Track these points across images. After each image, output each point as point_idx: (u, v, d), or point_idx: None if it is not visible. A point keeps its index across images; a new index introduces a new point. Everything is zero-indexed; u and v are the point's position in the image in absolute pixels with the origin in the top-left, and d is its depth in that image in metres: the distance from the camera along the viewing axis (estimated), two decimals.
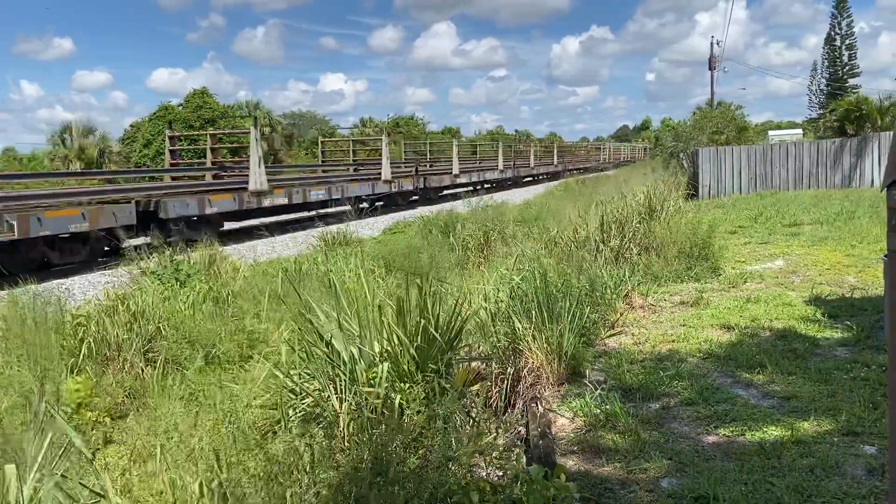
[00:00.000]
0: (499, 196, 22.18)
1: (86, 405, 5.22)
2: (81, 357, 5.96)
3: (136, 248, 9.85)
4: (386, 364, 4.12)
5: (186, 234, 13.68)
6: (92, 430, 5.02)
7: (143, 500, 3.14)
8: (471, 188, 32.87)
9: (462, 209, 15.71)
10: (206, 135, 23.91)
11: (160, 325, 6.51)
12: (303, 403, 4.14)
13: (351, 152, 31.41)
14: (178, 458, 3.33)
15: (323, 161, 30.70)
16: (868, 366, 5.38)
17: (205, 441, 3.45)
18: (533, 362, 5.40)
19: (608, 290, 7.28)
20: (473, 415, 4.39)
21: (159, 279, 8.33)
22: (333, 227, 13.98)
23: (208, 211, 15.54)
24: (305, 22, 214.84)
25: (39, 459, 3.11)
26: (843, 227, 13.01)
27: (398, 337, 4.29)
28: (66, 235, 12.08)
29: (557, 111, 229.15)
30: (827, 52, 75.96)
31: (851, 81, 72.54)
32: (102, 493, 3.01)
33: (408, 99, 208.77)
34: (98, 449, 4.72)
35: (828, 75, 75.65)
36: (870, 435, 4.23)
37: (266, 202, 17.79)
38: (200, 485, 2.95)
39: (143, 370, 5.90)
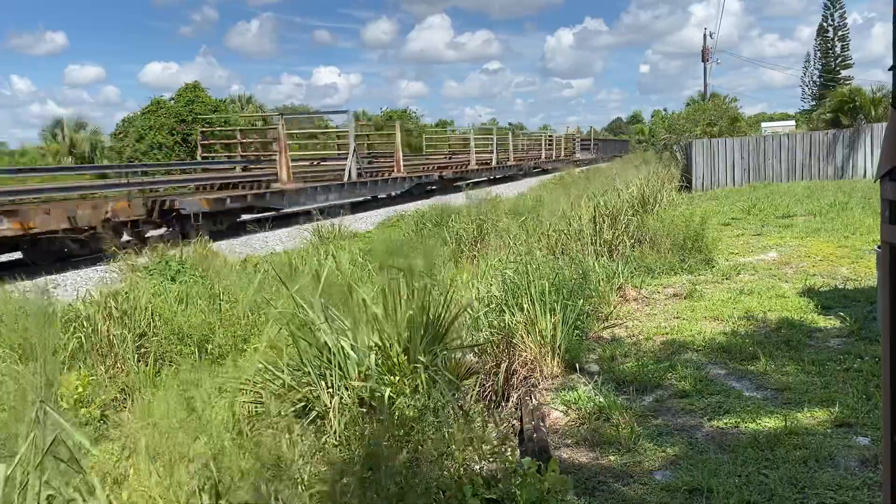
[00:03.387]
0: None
1: (81, 401, 5.19)
2: (70, 352, 5.92)
3: (126, 243, 9.80)
4: (373, 356, 4.10)
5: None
6: (87, 425, 4.99)
7: (134, 498, 3.11)
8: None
9: (460, 203, 15.68)
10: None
11: (152, 320, 6.48)
12: (294, 398, 4.12)
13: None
14: (169, 456, 3.30)
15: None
16: (861, 357, 5.39)
17: (196, 439, 3.43)
18: (527, 355, 5.39)
19: (601, 283, 7.28)
20: (467, 408, 4.38)
21: (151, 274, 8.29)
22: (326, 221, 13.95)
23: None
24: (298, 15, 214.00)
25: (33, 457, 3.08)
26: (837, 218, 13.04)
27: (387, 329, 4.27)
28: None
29: (551, 104, 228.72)
30: (819, 44, 76.07)
31: (844, 73, 72.68)
32: (92, 490, 2.99)
33: (402, 92, 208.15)
34: (90, 446, 4.69)
35: (820, 67, 75.79)
36: (863, 426, 4.24)
37: None
38: (192, 481, 2.92)
39: (134, 365, 5.87)
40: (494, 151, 35.21)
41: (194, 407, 3.19)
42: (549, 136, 53.93)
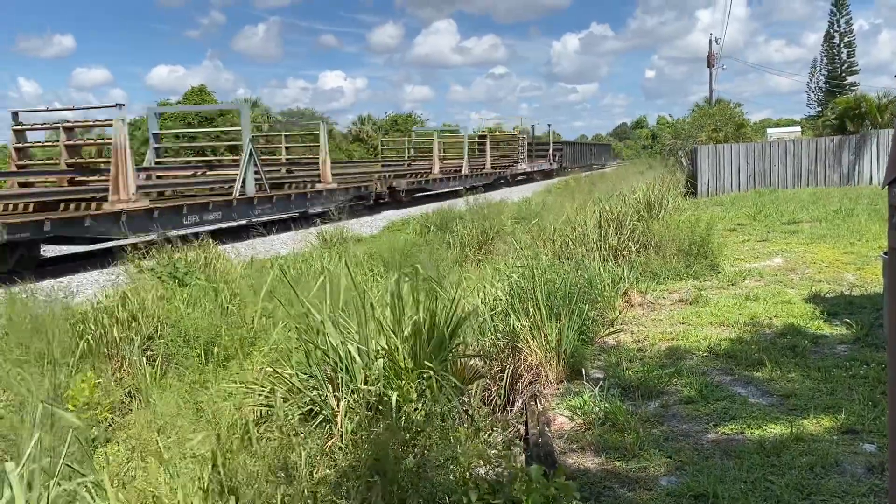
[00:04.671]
0: None
1: (88, 403, 5.21)
2: (79, 354, 5.94)
3: (133, 246, 9.83)
4: (381, 360, 4.11)
5: None
6: (94, 427, 5.01)
7: (141, 497, 3.13)
8: None
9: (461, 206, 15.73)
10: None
11: (158, 323, 6.50)
12: (301, 402, 4.13)
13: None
14: (175, 457, 3.32)
15: None
16: (867, 363, 5.38)
17: (202, 440, 3.44)
18: (532, 360, 5.39)
19: (607, 288, 7.28)
20: (472, 413, 4.38)
21: (158, 277, 8.31)
22: (331, 226, 13.97)
23: None
24: (304, 19, 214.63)
25: (41, 456, 3.09)
26: (842, 224, 13.00)
27: (394, 334, 4.28)
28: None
29: (556, 109, 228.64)
30: (826, 50, 75.85)
31: (850, 79, 72.43)
32: (102, 489, 3.00)
33: (407, 96, 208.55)
34: (98, 446, 4.71)
35: (826, 73, 75.52)
36: (869, 433, 4.23)
37: None
38: (197, 482, 2.94)
39: (142, 368, 5.89)
40: (254, 173, 18.00)
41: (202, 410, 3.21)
42: (459, 139, 37.09)
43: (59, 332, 6.23)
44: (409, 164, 32.23)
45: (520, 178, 40.33)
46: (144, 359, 6.04)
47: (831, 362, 5.49)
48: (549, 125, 55.43)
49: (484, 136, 39.40)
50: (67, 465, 3.05)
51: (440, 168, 30.40)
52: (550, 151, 48.88)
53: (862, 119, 25.96)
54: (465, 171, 32.42)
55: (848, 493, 3.55)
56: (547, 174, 44.33)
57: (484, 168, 35.46)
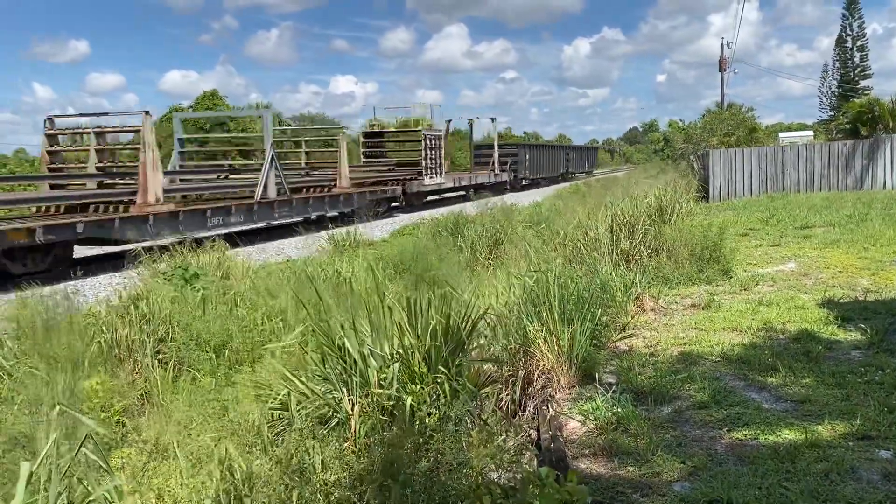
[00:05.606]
0: None
1: (102, 406, 5.24)
2: (90, 358, 5.98)
3: (145, 249, 9.89)
4: (397, 365, 4.11)
5: None
6: (108, 430, 5.03)
7: (156, 499, 3.15)
8: None
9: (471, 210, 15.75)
10: None
11: (170, 326, 6.53)
12: (315, 405, 4.14)
13: None
14: (189, 460, 3.33)
15: None
16: (882, 369, 5.34)
17: (215, 443, 3.46)
18: (544, 365, 5.38)
19: (619, 293, 7.26)
20: (484, 417, 4.38)
21: (169, 280, 8.35)
22: (343, 229, 14.02)
23: None
24: (317, 25, 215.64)
25: (56, 458, 3.12)
26: (856, 229, 12.91)
27: (409, 338, 4.28)
28: None
29: (567, 113, 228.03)
30: (838, 54, 75.47)
31: (863, 83, 72.02)
32: (118, 491, 3.02)
33: (417, 101, 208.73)
34: (112, 448, 4.73)
35: (839, 77, 75.12)
36: (885, 439, 4.20)
37: None
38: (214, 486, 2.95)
39: (154, 371, 5.91)
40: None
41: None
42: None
43: (72, 335, 6.27)
44: (99, 185, 16.37)
45: (432, 198, 27.31)
46: (157, 361, 6.07)
47: (845, 368, 5.45)
48: (493, 119, 36.92)
49: (375, 132, 27.86)
50: (88, 462, 3.07)
51: (159, 194, 14.71)
52: (496, 157, 34.55)
53: (875, 123, 25.83)
54: (266, 192, 17.74)
55: (864, 501, 3.52)
56: (496, 188, 31.16)
57: (332, 188, 20.85)
